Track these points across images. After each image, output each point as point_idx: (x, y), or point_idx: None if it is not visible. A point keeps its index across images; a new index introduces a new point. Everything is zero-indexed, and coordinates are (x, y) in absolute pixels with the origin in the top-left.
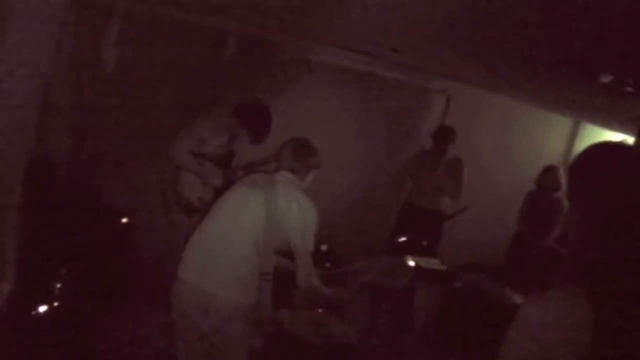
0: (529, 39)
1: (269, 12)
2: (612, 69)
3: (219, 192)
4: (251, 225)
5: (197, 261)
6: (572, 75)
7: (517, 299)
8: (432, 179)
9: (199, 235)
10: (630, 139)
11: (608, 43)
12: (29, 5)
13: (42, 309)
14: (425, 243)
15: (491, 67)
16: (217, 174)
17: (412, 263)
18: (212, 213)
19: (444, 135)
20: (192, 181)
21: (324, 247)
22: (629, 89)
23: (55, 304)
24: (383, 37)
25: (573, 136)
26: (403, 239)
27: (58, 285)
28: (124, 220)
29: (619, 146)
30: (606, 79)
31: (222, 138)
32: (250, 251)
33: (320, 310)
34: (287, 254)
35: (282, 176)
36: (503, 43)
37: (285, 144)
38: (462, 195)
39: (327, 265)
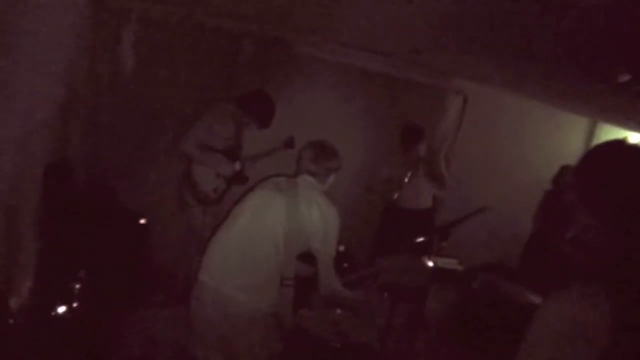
0: (546, 38)
1: (284, 14)
2: (630, 68)
3: (232, 183)
4: (272, 230)
5: (217, 265)
6: (589, 74)
7: (535, 299)
8: (412, 178)
9: (219, 239)
10: None
11: (626, 42)
12: (48, 9)
13: (61, 309)
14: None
15: (509, 67)
16: (226, 165)
17: (430, 263)
18: (233, 216)
19: (409, 135)
20: (205, 173)
21: (341, 248)
22: None
23: (74, 304)
24: (403, 37)
25: (590, 136)
26: (420, 239)
27: (77, 286)
28: (142, 221)
29: (625, 144)
30: (624, 78)
31: (229, 128)
32: (271, 255)
33: (338, 311)
34: (309, 258)
35: (303, 179)
36: (521, 43)
37: (305, 147)
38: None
39: (345, 265)
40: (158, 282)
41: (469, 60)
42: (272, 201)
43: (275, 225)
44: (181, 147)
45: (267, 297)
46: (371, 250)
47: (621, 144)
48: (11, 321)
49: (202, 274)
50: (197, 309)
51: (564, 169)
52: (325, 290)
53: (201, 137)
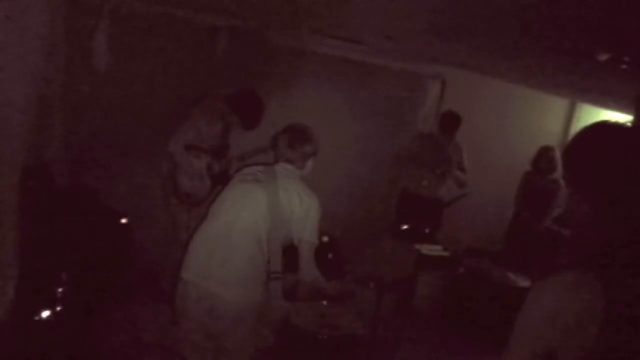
0: (522, 19)
1: (259, 5)
2: (609, 46)
3: (216, 183)
4: (254, 223)
5: (200, 262)
6: (567, 55)
7: (520, 281)
8: (435, 165)
9: (200, 236)
10: (627, 118)
11: (603, 21)
12: (20, 7)
13: (45, 313)
14: (427, 230)
15: (485, 50)
16: (209, 165)
17: (416, 250)
18: (213, 212)
19: (451, 121)
20: (190, 174)
21: (325, 239)
22: (625, 66)
23: (58, 308)
24: (376, 25)
25: (570, 116)
26: (405, 226)
27: (60, 290)
28: (123, 220)
29: (614, 125)
30: (602, 57)
31: (217, 127)
32: (254, 249)
33: (324, 303)
34: (291, 248)
35: (282, 168)
36: (497, 25)
37: (280, 133)
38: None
39: (330, 256)
40: (142, 282)
41: (444, 45)
42: (251, 194)
43: (256, 219)
44: (170, 149)
45: (253, 292)
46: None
47: (611, 123)
48: None
49: (186, 273)
50: (183, 307)
51: (543, 150)
52: (308, 278)
53: (190, 138)
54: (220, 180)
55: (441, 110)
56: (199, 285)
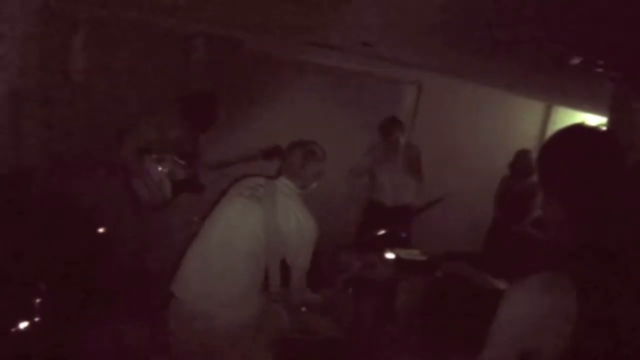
0: (497, 24)
1: (235, 11)
2: (581, 51)
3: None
4: (250, 243)
5: (195, 280)
6: (541, 58)
7: (499, 284)
8: (393, 174)
9: (195, 253)
10: (602, 120)
11: (576, 25)
12: None
13: (23, 325)
14: (404, 235)
15: (462, 54)
16: (160, 177)
17: (392, 256)
18: (208, 226)
19: (391, 126)
20: (144, 180)
21: None
22: (599, 69)
23: (36, 318)
24: (353, 31)
25: (546, 120)
26: (382, 232)
27: (37, 300)
28: (101, 230)
29: (585, 129)
30: (575, 61)
31: (172, 133)
32: (250, 269)
33: (303, 309)
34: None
35: (283, 184)
36: (472, 29)
37: (293, 148)
38: (423, 179)
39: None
40: (121, 292)
41: (423, 51)
42: (248, 211)
43: (253, 238)
44: (121, 154)
45: (249, 310)
46: (354, 248)
47: (584, 127)
48: None
49: (179, 290)
50: (176, 325)
51: (520, 153)
52: (297, 301)
53: (141, 143)
54: (188, 187)
55: (417, 115)
56: (194, 304)
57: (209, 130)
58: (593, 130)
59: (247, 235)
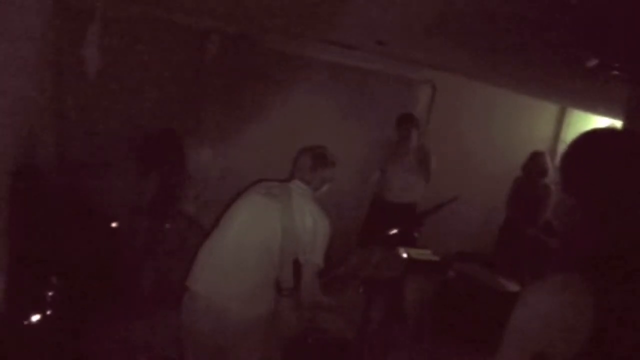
0: (513, 25)
1: (250, 10)
2: (597, 52)
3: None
4: (267, 238)
5: (210, 275)
6: (557, 61)
7: (510, 286)
8: (401, 172)
9: (210, 247)
10: (617, 123)
11: (592, 27)
12: (10, 11)
13: (35, 318)
14: (416, 235)
15: (477, 55)
16: None
17: (404, 255)
18: (224, 223)
19: (405, 121)
20: None
21: None
22: (614, 72)
23: (48, 312)
24: (367, 29)
25: (560, 122)
26: (394, 231)
27: (50, 294)
28: (114, 224)
29: (612, 132)
30: (591, 63)
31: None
32: (265, 264)
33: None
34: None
35: (296, 186)
36: (488, 31)
37: (303, 153)
38: (431, 179)
39: None
40: (132, 287)
41: (437, 50)
42: (266, 208)
43: (269, 234)
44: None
45: (261, 305)
46: (356, 244)
47: (606, 130)
48: None
49: (194, 284)
50: (189, 319)
51: (534, 155)
52: (307, 300)
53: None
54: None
55: (431, 116)
56: (208, 298)
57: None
58: (615, 133)
59: (262, 231)
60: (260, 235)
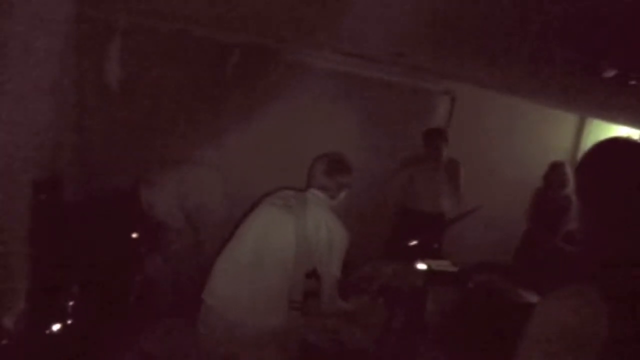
0: (531, 35)
1: (270, 22)
2: (615, 63)
3: None
4: (281, 250)
5: (226, 288)
6: (575, 71)
7: (530, 297)
8: (431, 183)
9: (226, 260)
10: (636, 133)
11: (610, 37)
12: (33, 24)
13: (56, 327)
14: (436, 245)
15: (494, 67)
16: None
17: (423, 266)
18: (239, 236)
19: (435, 136)
20: None
21: None
22: (633, 82)
23: (69, 322)
24: (386, 40)
25: (579, 132)
26: (414, 242)
27: (71, 303)
28: (134, 235)
29: (627, 141)
30: (610, 73)
31: None
32: (280, 277)
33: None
34: (313, 275)
35: (313, 195)
36: (506, 41)
37: (318, 159)
38: (462, 196)
39: None
40: (149, 295)
41: (456, 61)
42: (280, 221)
43: (284, 247)
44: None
45: (275, 318)
46: (383, 254)
47: (623, 140)
48: (5, 342)
49: (209, 297)
50: (205, 332)
51: (554, 166)
52: (328, 310)
53: None
54: None
55: (450, 127)
56: (225, 312)
57: None
58: (633, 143)
59: (278, 244)
60: (274, 248)
